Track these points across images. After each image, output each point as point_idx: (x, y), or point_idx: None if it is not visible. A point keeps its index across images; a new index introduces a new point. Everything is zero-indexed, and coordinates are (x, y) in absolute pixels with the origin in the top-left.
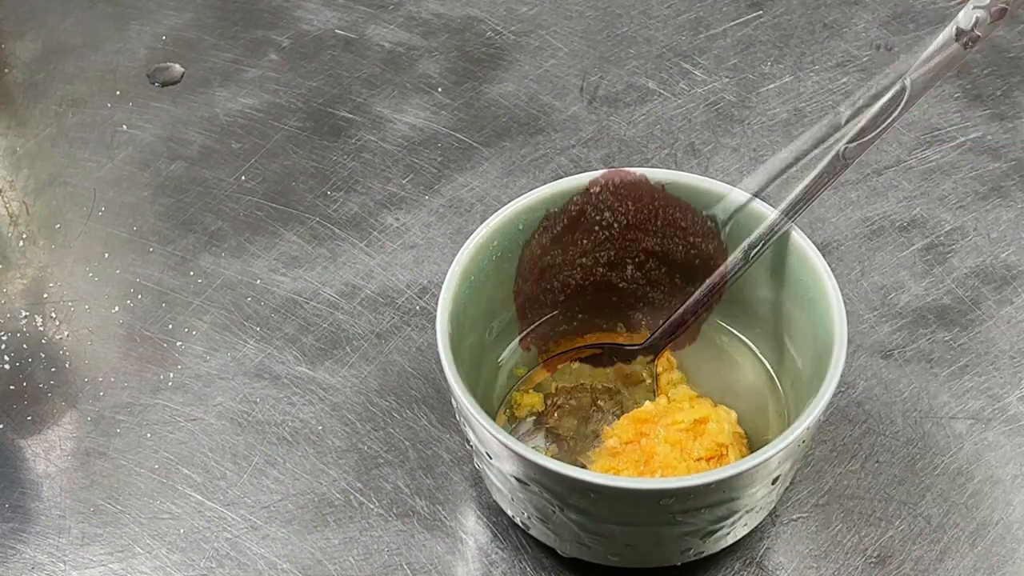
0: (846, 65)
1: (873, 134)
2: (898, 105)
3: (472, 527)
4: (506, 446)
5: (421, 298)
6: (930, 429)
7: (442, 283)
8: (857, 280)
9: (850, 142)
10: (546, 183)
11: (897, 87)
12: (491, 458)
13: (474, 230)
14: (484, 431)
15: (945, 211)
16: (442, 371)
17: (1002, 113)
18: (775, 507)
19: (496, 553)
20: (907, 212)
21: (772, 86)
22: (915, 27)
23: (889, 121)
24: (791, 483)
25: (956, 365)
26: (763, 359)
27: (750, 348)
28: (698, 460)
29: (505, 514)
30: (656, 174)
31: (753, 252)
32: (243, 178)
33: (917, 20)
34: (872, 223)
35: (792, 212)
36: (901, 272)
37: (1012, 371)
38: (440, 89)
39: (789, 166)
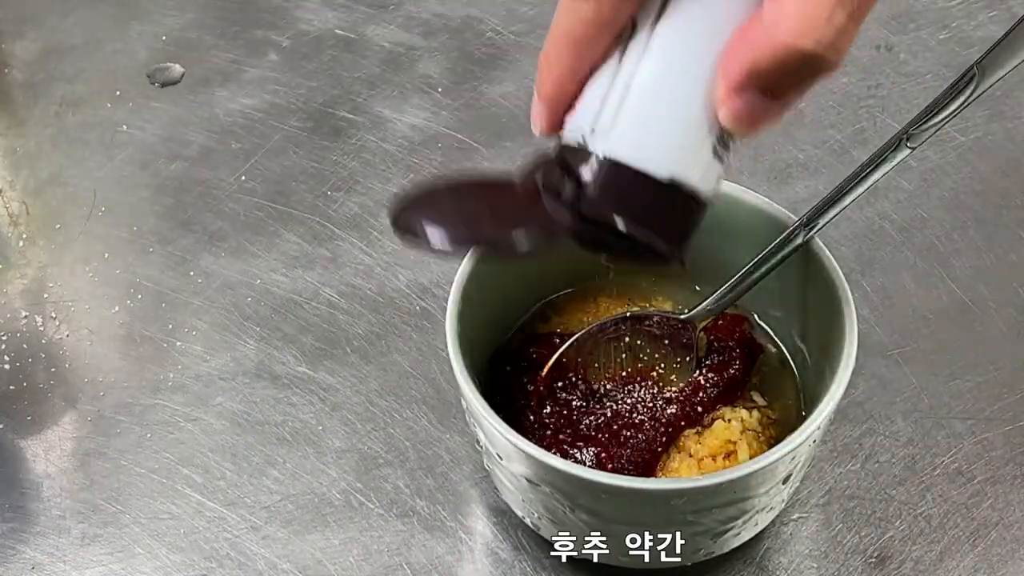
0: (846, 65)
1: (939, 119)
2: (965, 90)
3: (472, 527)
4: (516, 447)
5: (421, 298)
6: (930, 429)
7: (442, 283)
8: (857, 280)
9: (913, 126)
10: None
11: (968, 73)
12: (501, 459)
13: None
14: (495, 432)
15: (945, 211)
16: (452, 371)
17: (1002, 113)
18: None
19: (496, 553)
20: (907, 212)
21: None
22: (915, 27)
23: (956, 107)
24: None
25: (956, 365)
26: (781, 345)
27: (771, 336)
28: (705, 459)
29: (506, 514)
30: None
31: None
32: (243, 178)
33: (917, 20)
34: (872, 223)
35: (850, 188)
36: (901, 272)
37: (1012, 371)
38: (440, 89)
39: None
